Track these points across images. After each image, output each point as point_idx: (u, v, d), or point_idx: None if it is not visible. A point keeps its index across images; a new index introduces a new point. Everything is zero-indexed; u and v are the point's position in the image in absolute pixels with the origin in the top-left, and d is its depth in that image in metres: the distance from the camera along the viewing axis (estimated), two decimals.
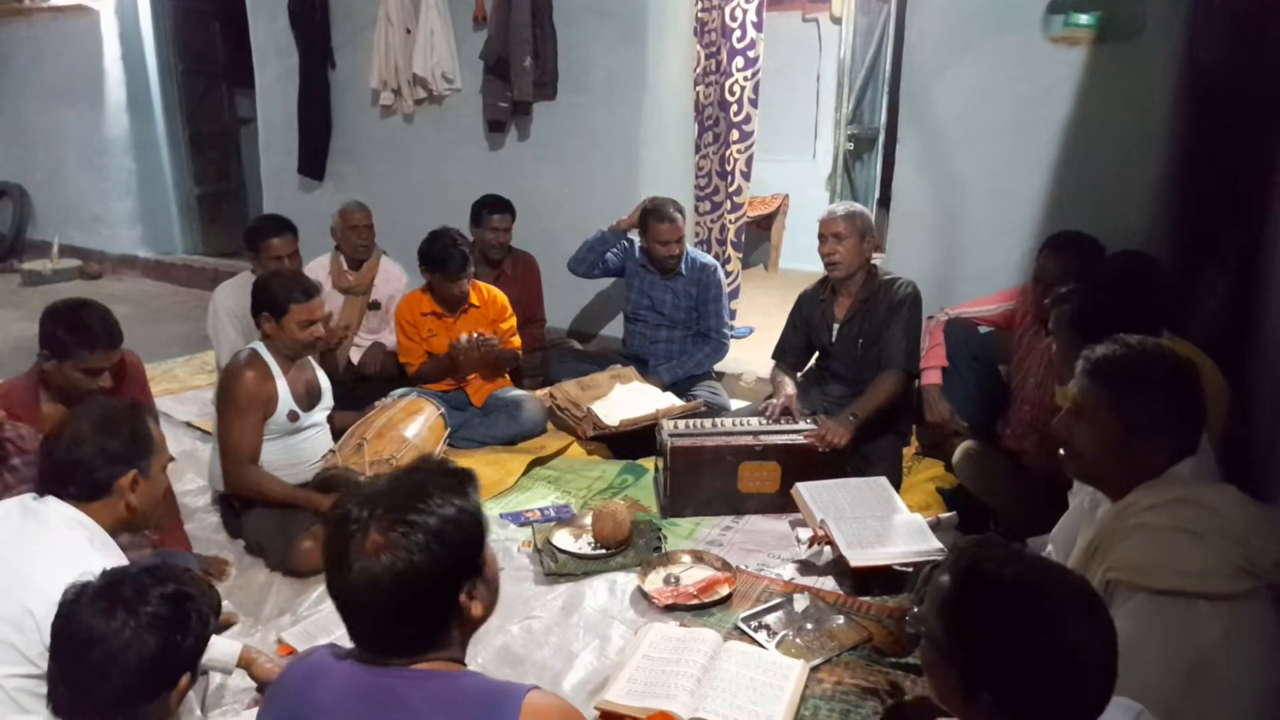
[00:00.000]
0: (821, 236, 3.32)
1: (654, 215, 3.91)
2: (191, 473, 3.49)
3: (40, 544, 1.72)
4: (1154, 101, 3.31)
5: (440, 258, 3.63)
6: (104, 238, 7.90)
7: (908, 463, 3.48)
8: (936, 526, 2.72)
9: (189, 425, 4.05)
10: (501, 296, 3.92)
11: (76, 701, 1.39)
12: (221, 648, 1.97)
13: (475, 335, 3.67)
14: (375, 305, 4.33)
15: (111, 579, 1.47)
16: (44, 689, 1.55)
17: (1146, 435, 1.64)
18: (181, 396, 4.43)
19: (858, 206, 3.37)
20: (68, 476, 1.80)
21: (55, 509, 1.78)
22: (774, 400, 3.36)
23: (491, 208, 4.23)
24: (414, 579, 1.19)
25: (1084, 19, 3.35)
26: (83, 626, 1.39)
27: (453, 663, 1.27)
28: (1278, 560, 1.54)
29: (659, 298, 4.06)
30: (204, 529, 3.09)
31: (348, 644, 1.28)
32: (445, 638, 1.26)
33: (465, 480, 1.30)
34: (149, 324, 5.89)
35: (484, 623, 1.33)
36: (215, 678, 2.08)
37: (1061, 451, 1.79)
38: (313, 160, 6.00)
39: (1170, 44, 3.25)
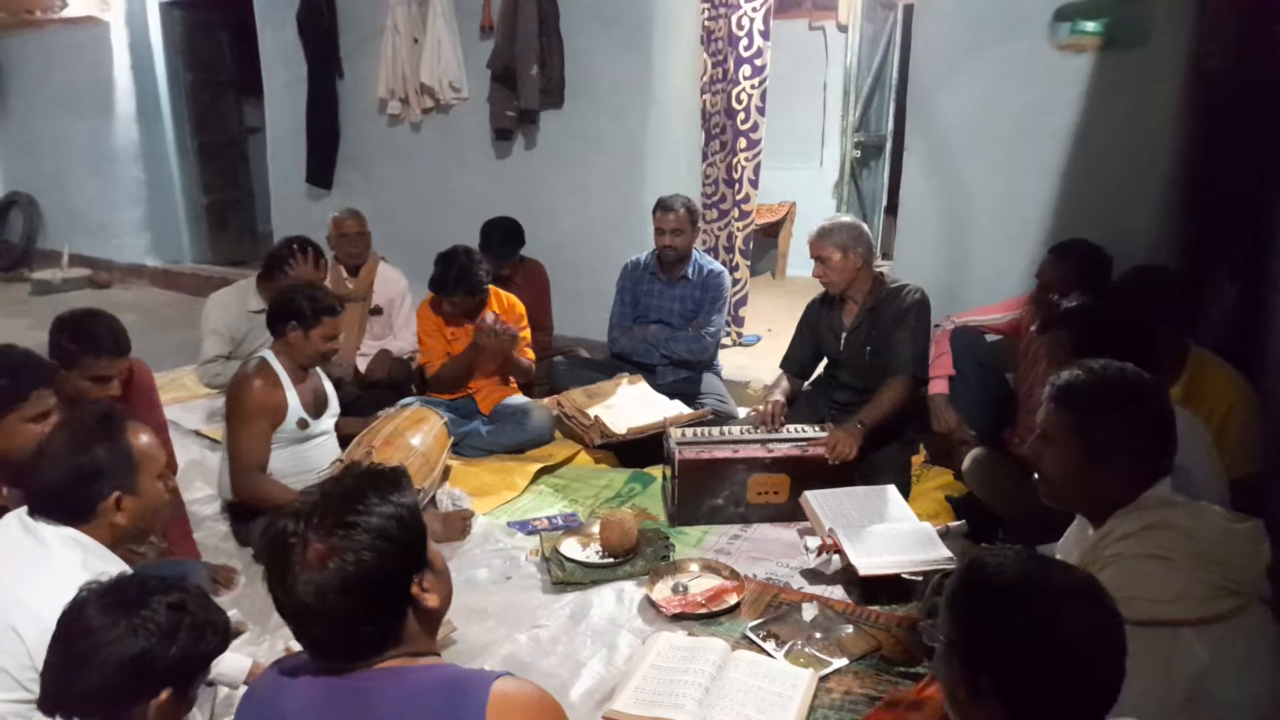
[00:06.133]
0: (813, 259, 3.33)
1: (659, 205, 3.99)
2: (200, 481, 3.49)
3: (34, 561, 1.67)
4: (1161, 107, 3.31)
5: (439, 282, 3.67)
6: (113, 247, 7.94)
7: (916, 471, 3.46)
8: (945, 535, 2.71)
9: (197, 434, 4.05)
10: (520, 305, 3.91)
11: (58, 692, 1.38)
12: (231, 661, 1.95)
13: (497, 318, 3.69)
14: (377, 311, 4.32)
15: (123, 579, 1.47)
16: (35, 714, 1.52)
17: (1109, 458, 1.64)
18: (190, 405, 4.42)
19: (838, 221, 3.33)
20: (48, 502, 1.74)
21: (47, 525, 1.73)
22: (760, 407, 3.40)
23: (496, 250, 4.16)
24: (362, 579, 1.18)
25: (1090, 26, 3.35)
26: (82, 618, 1.39)
27: (415, 656, 1.26)
28: (1260, 574, 1.52)
29: (667, 306, 4.07)
30: (213, 537, 3.09)
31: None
32: (402, 633, 1.25)
33: (398, 477, 1.29)
34: (157, 332, 5.90)
35: (444, 614, 1.33)
36: (223, 689, 2.07)
37: (1035, 476, 1.79)
38: (320, 169, 6.03)
39: (1177, 50, 3.25)
